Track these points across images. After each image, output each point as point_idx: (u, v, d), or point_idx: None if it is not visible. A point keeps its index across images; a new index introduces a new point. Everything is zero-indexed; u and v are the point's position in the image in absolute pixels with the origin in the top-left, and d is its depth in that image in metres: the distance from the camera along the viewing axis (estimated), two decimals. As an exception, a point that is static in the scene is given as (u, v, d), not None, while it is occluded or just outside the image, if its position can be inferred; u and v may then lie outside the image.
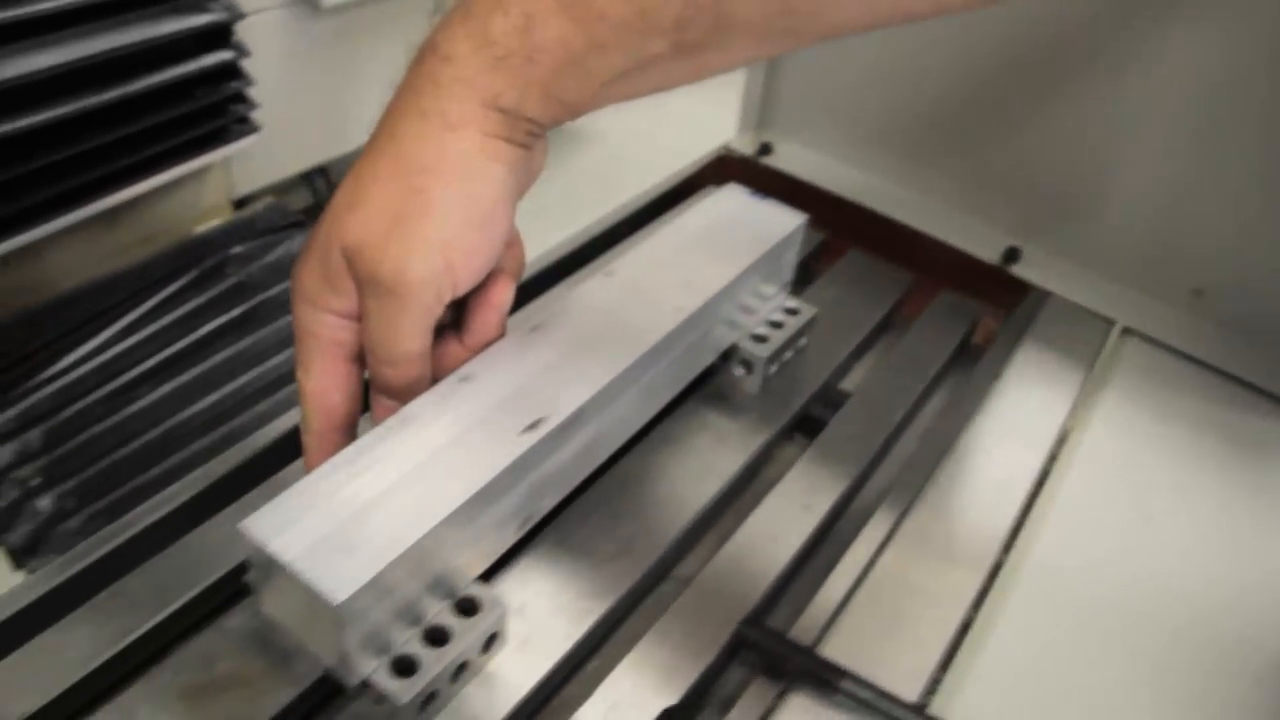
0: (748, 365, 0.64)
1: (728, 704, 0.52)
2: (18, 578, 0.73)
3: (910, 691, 0.51)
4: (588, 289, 0.57)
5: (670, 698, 0.50)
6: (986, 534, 0.60)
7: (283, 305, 0.87)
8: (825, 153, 0.86)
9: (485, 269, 0.48)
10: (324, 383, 0.49)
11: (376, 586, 0.42)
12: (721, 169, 0.87)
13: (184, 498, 0.58)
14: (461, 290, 0.47)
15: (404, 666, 0.46)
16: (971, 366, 0.72)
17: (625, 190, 0.85)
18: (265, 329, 0.85)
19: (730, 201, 0.65)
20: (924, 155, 0.82)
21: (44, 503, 0.74)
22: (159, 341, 0.84)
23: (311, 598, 0.41)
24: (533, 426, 0.49)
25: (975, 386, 0.69)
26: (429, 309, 0.46)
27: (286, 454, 0.60)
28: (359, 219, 0.45)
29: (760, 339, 0.64)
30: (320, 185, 1.07)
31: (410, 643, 0.47)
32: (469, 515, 0.46)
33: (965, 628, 0.55)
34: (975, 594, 0.57)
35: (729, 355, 0.64)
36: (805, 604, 0.55)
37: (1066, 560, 0.60)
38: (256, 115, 0.86)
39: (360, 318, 0.48)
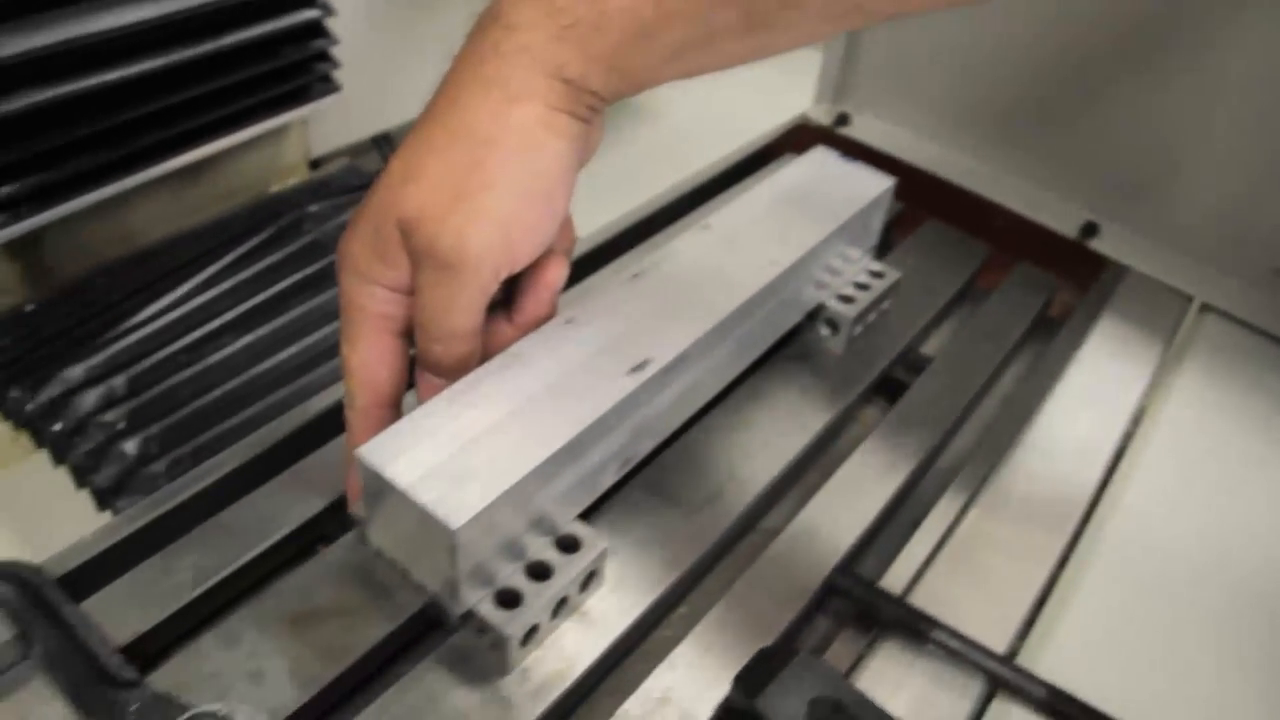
0: (833, 325, 0.65)
1: (818, 651, 0.52)
2: (103, 518, 0.75)
3: (997, 645, 0.51)
4: (686, 241, 0.58)
5: (763, 642, 0.50)
6: (1069, 497, 0.60)
7: (358, 263, 0.88)
8: (902, 125, 0.86)
9: (543, 245, 0.47)
10: (370, 357, 0.48)
11: (489, 515, 0.43)
12: (799, 138, 0.87)
13: (275, 439, 0.59)
14: (518, 267, 0.46)
15: (508, 599, 0.47)
16: (1049, 338, 0.73)
17: (691, 165, 0.86)
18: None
19: (820, 163, 0.66)
20: (1002, 129, 0.82)
21: (129, 446, 0.75)
22: (238, 295, 0.85)
23: (427, 523, 0.42)
24: (638, 368, 0.49)
25: (1055, 356, 0.69)
26: (485, 285, 0.45)
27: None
28: (417, 190, 0.44)
29: (847, 299, 0.64)
30: (388, 152, 1.08)
31: (514, 576, 0.47)
32: (576, 451, 0.47)
33: (1050, 586, 0.56)
34: (1060, 554, 0.57)
35: (814, 315, 0.65)
36: (892, 558, 0.56)
37: (1147, 526, 0.61)
38: (338, 75, 0.87)
39: (411, 292, 0.47)
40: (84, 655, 0.46)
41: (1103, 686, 0.51)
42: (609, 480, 0.52)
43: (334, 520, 0.55)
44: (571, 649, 0.49)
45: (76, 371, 0.79)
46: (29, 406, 0.77)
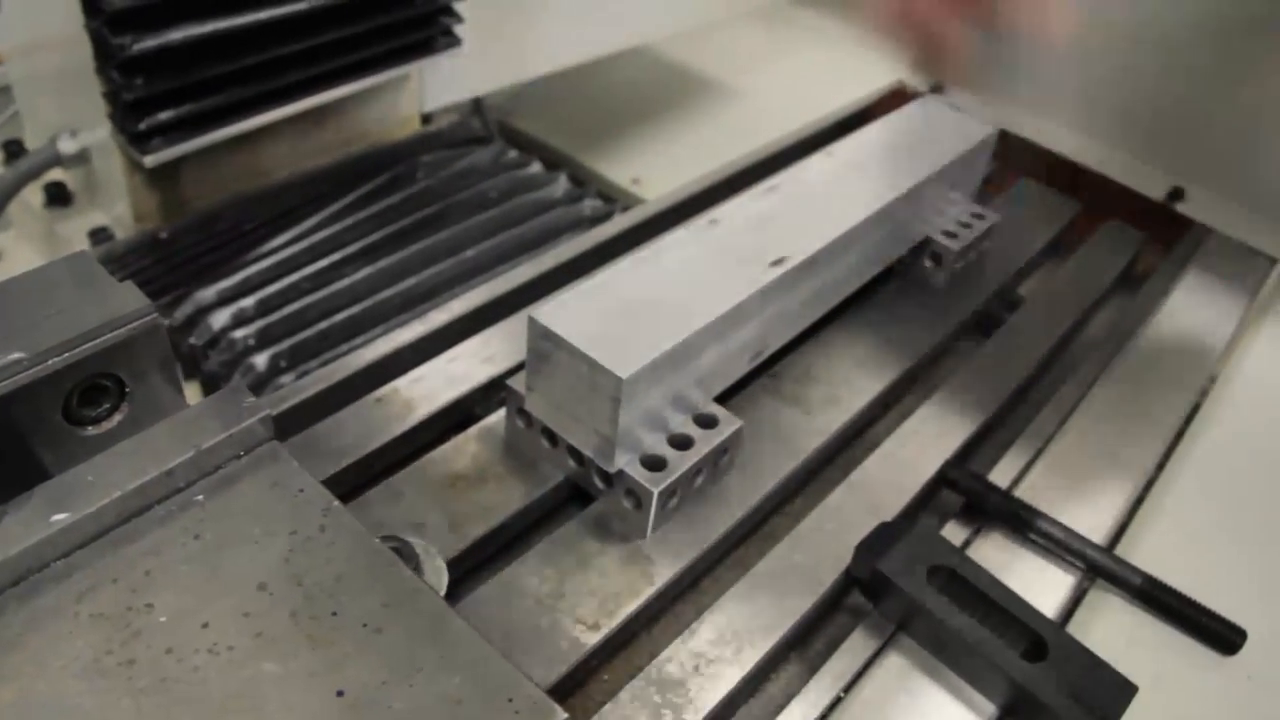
0: (937, 258, 0.69)
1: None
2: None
3: (1095, 538, 0.55)
4: (811, 164, 0.62)
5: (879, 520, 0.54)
6: (1160, 419, 0.63)
7: (470, 208, 0.93)
8: (996, 93, 0.90)
9: None
10: None
11: (650, 372, 0.47)
12: (895, 103, 0.91)
13: (416, 334, 0.63)
14: None
15: (653, 464, 0.51)
16: (1135, 289, 0.76)
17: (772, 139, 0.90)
18: (455, 227, 0.91)
19: (930, 109, 0.70)
20: (1092, 98, 0.86)
21: (259, 360, 0.80)
22: (359, 230, 0.90)
23: (596, 376, 0.47)
24: (777, 263, 0.54)
25: (1142, 302, 0.73)
26: None
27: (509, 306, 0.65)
28: None
29: (951, 235, 0.68)
30: (486, 115, 1.13)
31: (658, 445, 0.52)
32: (722, 330, 0.51)
33: (1144, 492, 0.59)
34: (1153, 464, 0.61)
35: (919, 250, 0.69)
36: (994, 462, 0.60)
37: (1234, 447, 0.64)
38: (459, 30, 0.93)
39: None
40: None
41: (1193, 581, 0.54)
42: (741, 369, 0.56)
43: (485, 400, 0.60)
44: (703, 520, 0.53)
45: (209, 293, 0.85)
46: (165, 323, 0.83)
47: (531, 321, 0.49)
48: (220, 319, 0.83)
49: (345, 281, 0.87)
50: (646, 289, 0.51)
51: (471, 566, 0.52)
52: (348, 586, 0.34)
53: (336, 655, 0.32)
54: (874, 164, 0.63)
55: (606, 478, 0.52)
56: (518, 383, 0.54)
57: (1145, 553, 0.56)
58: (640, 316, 0.49)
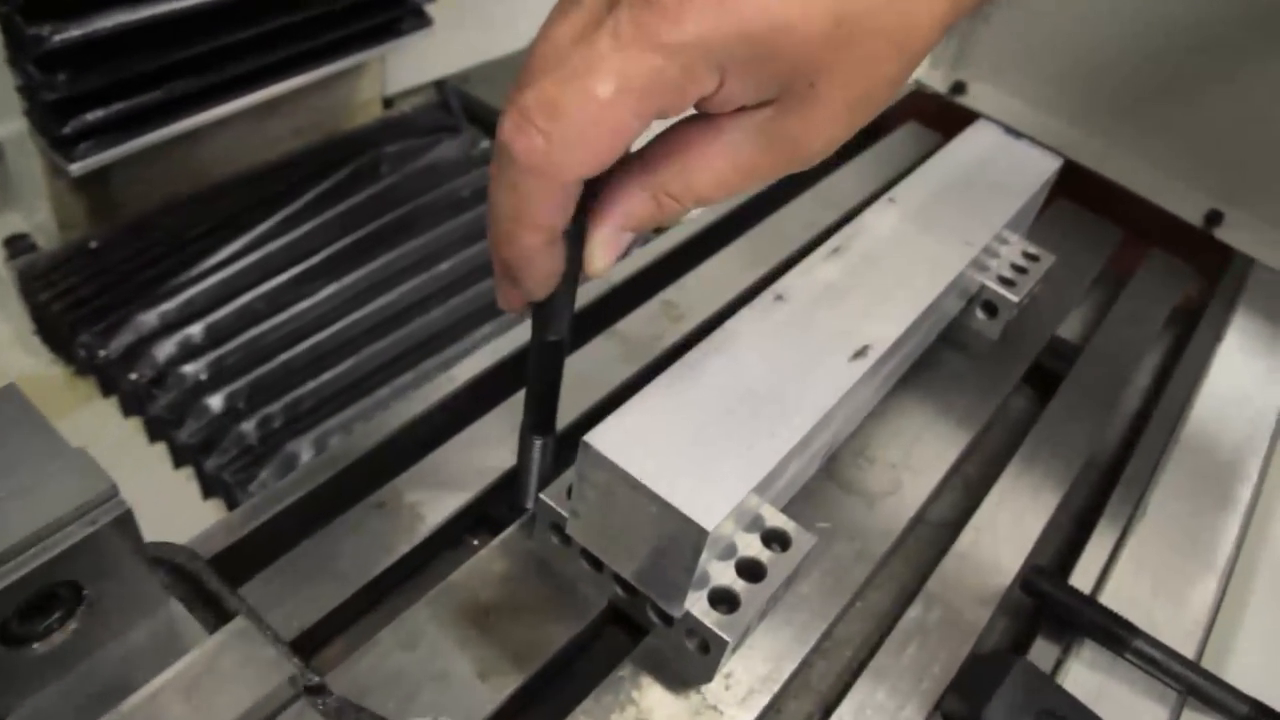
0: (991, 310, 0.62)
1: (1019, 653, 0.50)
2: (180, 476, 0.70)
3: (1185, 650, 0.50)
4: (874, 216, 0.54)
5: (961, 643, 0.48)
6: (1233, 495, 0.59)
7: (441, 211, 0.84)
8: (1021, 98, 0.82)
9: None
10: None
11: (735, 512, 0.40)
12: (913, 104, 0.83)
13: (414, 412, 0.55)
14: None
15: (722, 599, 0.44)
16: (1183, 329, 0.71)
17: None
18: (427, 235, 0.82)
19: (987, 139, 0.63)
20: (1122, 110, 0.79)
21: (214, 401, 0.70)
22: (318, 238, 0.80)
23: (671, 522, 0.39)
24: (859, 355, 0.46)
25: (1196, 353, 0.68)
26: None
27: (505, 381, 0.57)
28: None
29: (1008, 283, 0.61)
30: (450, 96, 1.02)
31: (724, 574, 0.44)
32: (806, 443, 0.44)
33: (1224, 587, 0.54)
34: (1229, 555, 0.55)
35: (972, 299, 0.62)
36: (1071, 556, 0.54)
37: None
38: (429, 9, 0.82)
39: None
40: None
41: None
42: (814, 470, 0.49)
43: (497, 504, 0.52)
44: (772, 653, 0.46)
45: (150, 317, 0.74)
46: (102, 353, 0.72)
47: (585, 447, 0.41)
48: (165, 350, 0.73)
49: (306, 302, 0.77)
50: (718, 397, 0.43)
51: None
52: None
53: None
54: (942, 215, 0.55)
55: (665, 616, 0.44)
56: (555, 498, 0.46)
57: (1233, 662, 0.52)
58: (716, 437, 0.41)
